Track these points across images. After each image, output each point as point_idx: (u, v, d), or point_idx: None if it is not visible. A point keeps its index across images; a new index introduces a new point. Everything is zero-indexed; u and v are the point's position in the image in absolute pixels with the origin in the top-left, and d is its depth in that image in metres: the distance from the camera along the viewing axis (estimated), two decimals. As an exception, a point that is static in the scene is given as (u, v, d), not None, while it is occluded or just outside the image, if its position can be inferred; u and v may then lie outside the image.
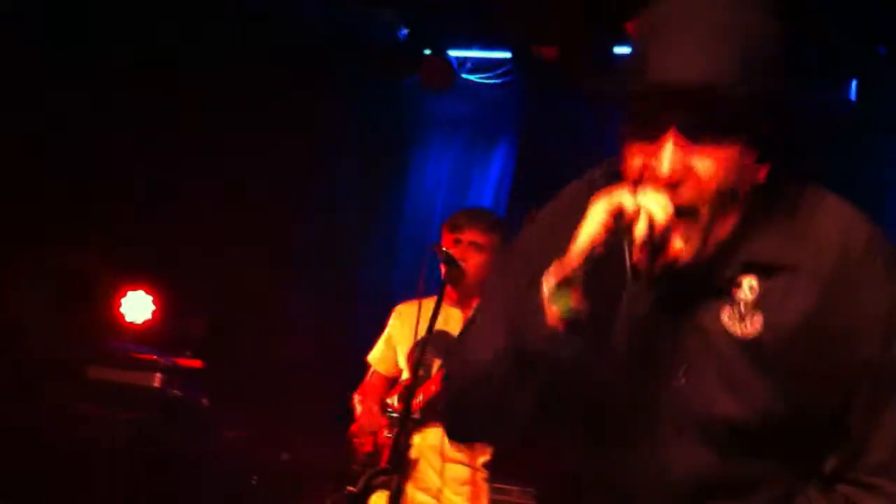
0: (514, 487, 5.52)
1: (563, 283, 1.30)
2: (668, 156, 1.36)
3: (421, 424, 3.58)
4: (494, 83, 5.97)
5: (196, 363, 4.99)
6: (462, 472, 3.61)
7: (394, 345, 3.88)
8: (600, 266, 1.30)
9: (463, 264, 3.60)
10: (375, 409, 3.77)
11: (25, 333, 5.12)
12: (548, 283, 1.31)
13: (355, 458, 3.70)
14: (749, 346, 1.43)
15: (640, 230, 1.32)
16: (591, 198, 1.37)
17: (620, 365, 1.46)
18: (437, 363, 3.59)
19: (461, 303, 3.74)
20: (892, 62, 5.37)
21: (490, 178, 5.93)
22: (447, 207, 5.47)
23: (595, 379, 1.43)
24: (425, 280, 3.67)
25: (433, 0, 5.70)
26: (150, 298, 5.47)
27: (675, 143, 1.36)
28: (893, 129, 5.71)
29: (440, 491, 3.57)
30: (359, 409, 3.81)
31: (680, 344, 1.46)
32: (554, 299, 1.30)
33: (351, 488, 3.55)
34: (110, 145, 5.57)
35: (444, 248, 3.58)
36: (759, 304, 1.43)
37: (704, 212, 1.38)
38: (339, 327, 5.50)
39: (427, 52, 5.73)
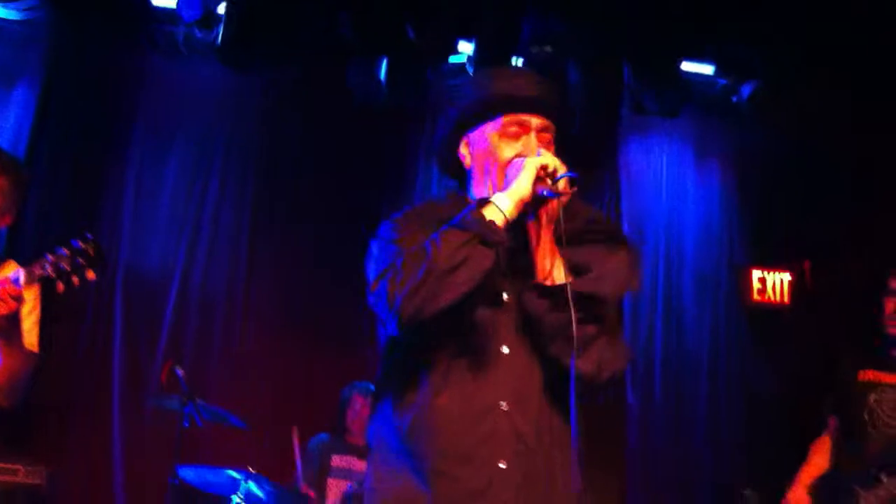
0: (19, 466, 5.05)
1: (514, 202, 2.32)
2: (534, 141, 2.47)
3: None
4: (17, 19, 5.44)
5: None
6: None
7: None
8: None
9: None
10: None
11: None
12: (497, 202, 2.30)
13: None
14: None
15: (558, 168, 2.33)
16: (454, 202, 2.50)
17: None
18: None
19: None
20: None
21: (8, 121, 5.35)
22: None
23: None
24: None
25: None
26: None
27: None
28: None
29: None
30: None
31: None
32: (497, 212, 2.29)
33: None
34: None
35: None
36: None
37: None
38: None
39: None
